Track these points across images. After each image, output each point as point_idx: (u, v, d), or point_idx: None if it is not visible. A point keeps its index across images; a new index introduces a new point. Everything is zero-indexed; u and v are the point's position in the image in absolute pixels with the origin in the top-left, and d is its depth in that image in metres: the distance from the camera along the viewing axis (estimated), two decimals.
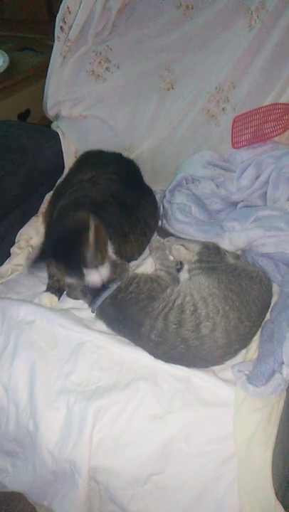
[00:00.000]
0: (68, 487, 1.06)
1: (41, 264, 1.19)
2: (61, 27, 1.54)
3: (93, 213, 1.13)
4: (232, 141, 1.57)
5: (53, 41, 1.59)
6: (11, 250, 1.49)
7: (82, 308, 1.23)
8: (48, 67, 1.65)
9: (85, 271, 1.09)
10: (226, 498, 0.95)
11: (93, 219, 1.10)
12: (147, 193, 1.52)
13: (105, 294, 1.12)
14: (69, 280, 1.16)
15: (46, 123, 1.87)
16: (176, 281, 1.23)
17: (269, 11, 1.38)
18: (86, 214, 1.11)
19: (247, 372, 1.02)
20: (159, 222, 1.51)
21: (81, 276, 1.10)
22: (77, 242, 1.07)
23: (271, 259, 1.28)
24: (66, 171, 1.72)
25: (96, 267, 1.09)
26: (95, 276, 1.10)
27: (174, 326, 1.03)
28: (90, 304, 1.16)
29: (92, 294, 1.14)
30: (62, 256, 1.11)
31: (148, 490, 0.99)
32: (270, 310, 1.15)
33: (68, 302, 1.27)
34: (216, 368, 1.07)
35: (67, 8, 1.50)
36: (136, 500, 1.00)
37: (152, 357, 1.07)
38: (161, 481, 0.99)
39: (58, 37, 1.56)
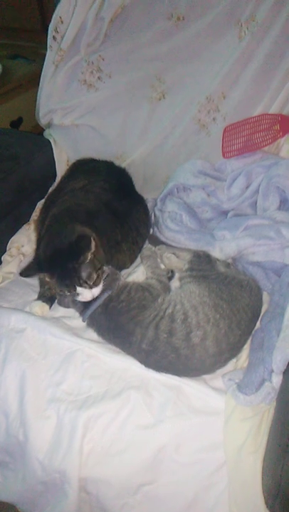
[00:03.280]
0: (58, 497, 1.05)
1: (32, 274, 1.18)
2: (53, 36, 1.56)
3: (87, 222, 1.14)
4: (222, 150, 1.58)
5: (46, 50, 1.60)
6: (2, 258, 1.48)
7: (73, 317, 1.23)
8: (40, 75, 1.66)
9: (78, 289, 1.09)
10: (216, 507, 0.95)
11: (94, 238, 1.10)
12: (139, 201, 1.53)
13: (96, 304, 1.12)
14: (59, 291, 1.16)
15: (38, 131, 1.88)
16: (168, 289, 1.24)
17: (258, 22, 1.40)
18: (89, 232, 1.12)
19: (237, 380, 1.02)
20: (151, 231, 1.52)
21: (73, 292, 1.10)
22: (76, 260, 1.07)
23: (261, 267, 1.29)
24: (58, 179, 1.73)
25: (90, 287, 1.10)
26: (88, 295, 1.11)
27: (165, 335, 1.03)
28: (81, 313, 1.16)
29: (83, 303, 1.14)
30: (57, 270, 1.10)
31: (139, 500, 0.99)
32: (260, 319, 1.16)
33: (59, 311, 1.26)
34: (206, 376, 1.07)
35: (60, 17, 1.51)
36: (127, 510, 1.00)
37: (143, 366, 1.07)
38: (152, 491, 0.98)
39: (51, 46, 1.58)
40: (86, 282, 1.09)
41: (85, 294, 1.10)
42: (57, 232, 1.17)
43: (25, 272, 1.17)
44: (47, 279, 1.13)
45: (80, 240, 1.08)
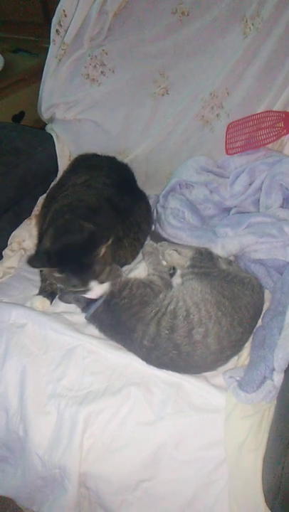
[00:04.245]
0: (58, 493, 1.05)
1: (40, 266, 1.15)
2: (57, 30, 1.55)
3: (88, 218, 1.13)
4: (226, 147, 1.57)
5: (48, 44, 1.60)
6: (4, 253, 1.48)
7: (74, 313, 1.23)
8: (42, 69, 1.66)
9: (91, 283, 1.08)
10: (216, 504, 0.95)
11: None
12: (141, 197, 1.52)
13: (100, 300, 1.12)
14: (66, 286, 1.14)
15: (40, 125, 1.87)
16: (169, 286, 1.23)
17: (264, 19, 1.39)
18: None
19: (238, 378, 1.02)
20: (153, 227, 1.52)
21: (85, 287, 1.08)
22: (91, 254, 1.07)
23: (263, 265, 1.28)
24: (60, 173, 1.72)
25: (102, 282, 1.10)
26: (98, 291, 1.10)
27: (167, 332, 1.02)
28: (83, 309, 1.16)
29: (85, 299, 1.14)
30: (70, 265, 1.08)
31: (138, 496, 0.99)
32: (261, 316, 1.15)
33: (60, 306, 1.26)
34: (207, 374, 1.07)
35: (63, 11, 1.50)
36: (126, 506, 1.00)
37: (144, 362, 1.07)
38: (151, 488, 0.98)
39: (54, 40, 1.57)
40: (99, 277, 1.08)
41: (96, 289, 1.09)
42: (65, 228, 1.15)
43: (34, 263, 1.12)
44: (55, 274, 1.10)
45: (95, 234, 1.08)
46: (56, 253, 1.09)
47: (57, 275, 1.10)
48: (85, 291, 1.10)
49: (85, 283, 1.08)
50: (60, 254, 1.08)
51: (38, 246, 1.33)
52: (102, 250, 1.09)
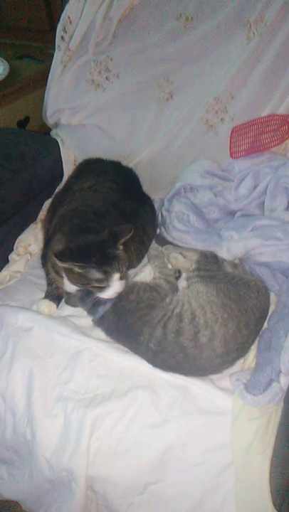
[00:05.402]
0: (65, 496, 1.05)
1: (65, 259, 1.10)
2: (62, 36, 1.56)
3: (94, 222, 1.14)
4: (230, 151, 1.58)
5: (53, 50, 1.61)
6: (10, 257, 1.49)
7: (80, 316, 1.23)
8: (47, 75, 1.67)
9: (115, 276, 1.09)
10: (223, 507, 0.95)
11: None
12: (146, 201, 1.53)
13: (109, 304, 1.12)
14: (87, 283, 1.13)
15: (45, 130, 1.88)
16: (175, 289, 1.24)
17: (267, 24, 1.40)
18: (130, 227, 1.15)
19: (245, 381, 1.02)
20: (158, 231, 1.52)
21: (108, 281, 1.09)
22: (114, 245, 1.11)
23: (268, 268, 1.28)
24: (65, 178, 1.73)
25: (122, 278, 1.11)
26: (118, 287, 1.10)
27: (173, 335, 1.03)
28: (89, 312, 1.16)
29: (92, 301, 1.14)
30: (93, 258, 1.08)
31: (145, 499, 0.99)
32: (267, 319, 1.16)
33: (66, 309, 1.27)
34: (214, 376, 1.07)
35: (68, 17, 1.52)
36: (133, 509, 1.00)
37: (151, 365, 1.07)
38: (158, 490, 0.98)
39: (59, 46, 1.59)
40: (122, 269, 1.09)
41: (116, 286, 1.10)
42: (82, 228, 1.18)
43: (61, 257, 1.09)
44: (77, 270, 1.09)
45: (115, 230, 1.11)
46: (79, 248, 1.10)
47: (78, 271, 1.09)
48: (104, 289, 1.10)
49: (108, 276, 1.08)
50: (84, 249, 1.10)
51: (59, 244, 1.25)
52: (121, 246, 1.11)
